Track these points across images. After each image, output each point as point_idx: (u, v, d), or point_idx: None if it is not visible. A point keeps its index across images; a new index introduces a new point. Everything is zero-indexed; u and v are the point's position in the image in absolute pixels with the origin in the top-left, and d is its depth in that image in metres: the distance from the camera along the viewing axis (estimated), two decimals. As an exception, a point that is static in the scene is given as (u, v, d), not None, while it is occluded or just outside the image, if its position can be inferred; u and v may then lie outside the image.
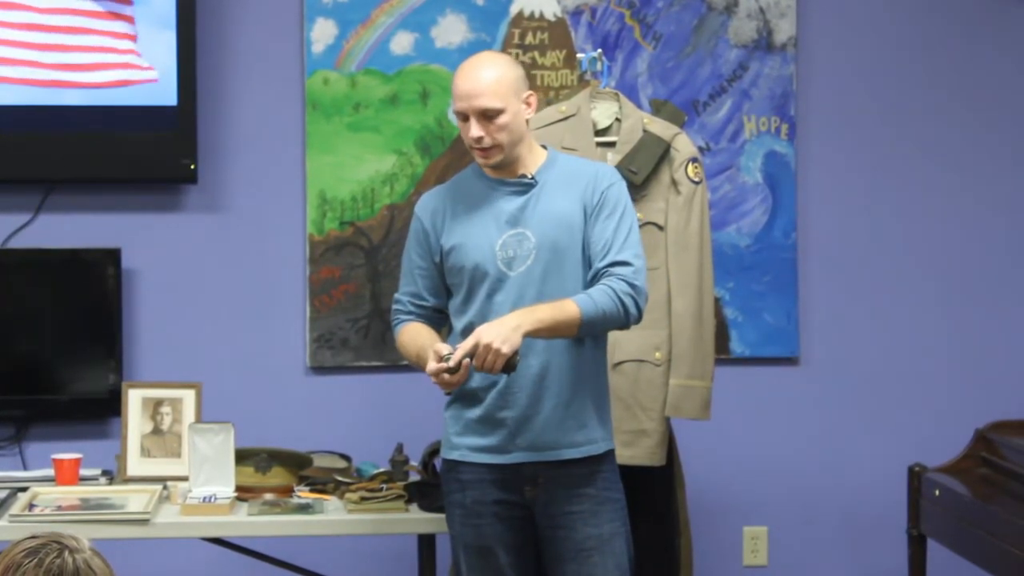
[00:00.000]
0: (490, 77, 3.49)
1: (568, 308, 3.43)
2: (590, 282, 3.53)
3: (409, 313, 3.66)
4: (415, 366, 3.65)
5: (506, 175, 3.58)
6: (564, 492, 3.53)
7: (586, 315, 3.43)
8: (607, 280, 3.48)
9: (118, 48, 4.67)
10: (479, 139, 3.49)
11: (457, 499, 3.60)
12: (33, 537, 2.20)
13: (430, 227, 3.61)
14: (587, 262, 3.55)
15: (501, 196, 3.57)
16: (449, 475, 3.62)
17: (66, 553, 2.16)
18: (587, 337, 3.53)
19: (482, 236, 3.54)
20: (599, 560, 3.54)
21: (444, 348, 3.42)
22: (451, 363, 3.36)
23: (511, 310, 3.46)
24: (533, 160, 3.60)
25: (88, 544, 2.20)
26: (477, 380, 3.51)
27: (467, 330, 3.51)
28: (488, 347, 3.33)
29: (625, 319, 3.50)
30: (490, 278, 3.52)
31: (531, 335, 3.40)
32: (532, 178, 3.57)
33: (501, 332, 3.34)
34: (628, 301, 3.47)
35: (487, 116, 3.48)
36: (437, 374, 3.39)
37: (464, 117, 3.51)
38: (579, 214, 3.55)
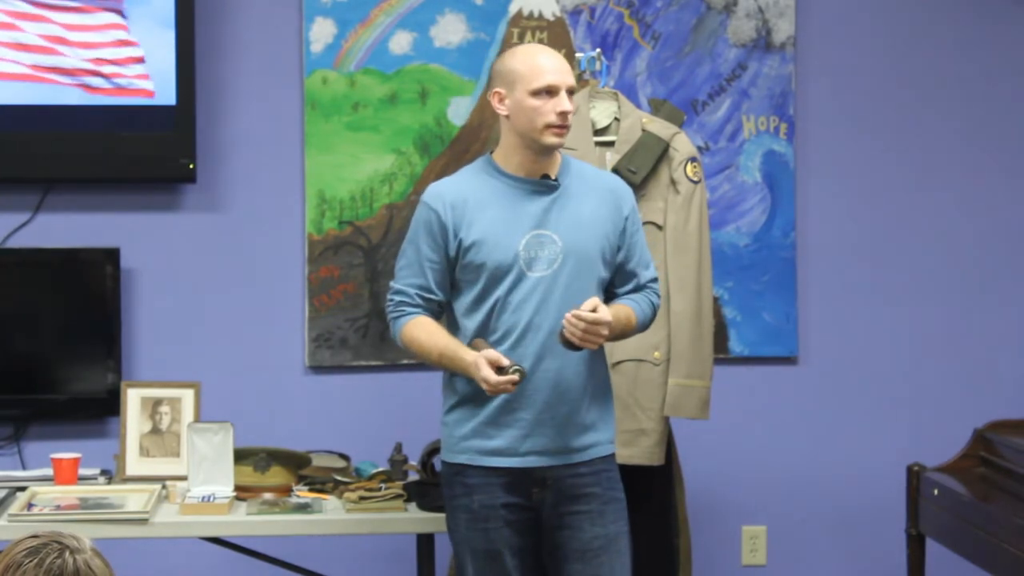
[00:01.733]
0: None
1: (631, 317, 3.59)
2: (632, 289, 3.63)
3: (416, 306, 3.59)
4: (425, 360, 3.60)
5: (528, 174, 3.57)
6: (571, 493, 3.53)
7: (639, 323, 3.62)
8: (647, 293, 3.65)
9: (118, 58, 4.67)
10: (566, 114, 3.50)
11: (463, 503, 3.56)
12: (34, 536, 2.19)
13: (448, 219, 3.53)
14: (609, 271, 3.59)
15: (525, 195, 3.54)
16: (454, 479, 3.57)
17: (67, 553, 2.16)
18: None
19: (505, 235, 3.51)
20: (606, 560, 3.53)
21: (503, 359, 3.40)
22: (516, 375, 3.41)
23: (532, 312, 3.47)
24: (552, 161, 3.59)
25: (89, 544, 2.20)
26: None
27: (481, 329, 3.50)
28: (599, 334, 3.42)
29: (646, 329, 3.70)
30: (510, 277, 3.49)
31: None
32: (555, 180, 3.56)
33: (612, 331, 3.47)
34: (656, 312, 3.69)
35: (571, 92, 3.53)
36: (498, 385, 3.39)
37: (551, 92, 3.50)
38: (607, 224, 3.56)
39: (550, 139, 3.50)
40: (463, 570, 3.59)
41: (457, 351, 3.48)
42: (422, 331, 3.56)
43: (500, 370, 3.39)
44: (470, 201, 3.54)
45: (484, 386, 3.41)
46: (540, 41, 4.93)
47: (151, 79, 4.69)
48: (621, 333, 3.58)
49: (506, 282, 3.50)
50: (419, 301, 3.58)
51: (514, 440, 3.51)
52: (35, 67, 4.64)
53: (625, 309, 3.58)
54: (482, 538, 3.54)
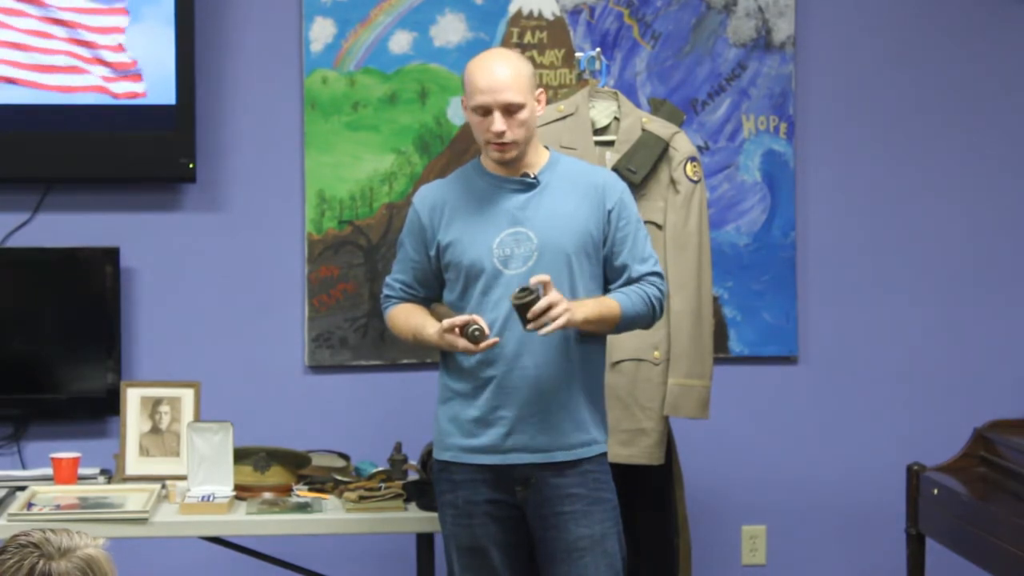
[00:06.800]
0: (512, 72, 3.51)
1: (614, 307, 3.52)
2: (623, 284, 3.57)
3: (399, 298, 3.70)
4: (407, 342, 3.69)
5: (509, 173, 3.58)
6: (555, 493, 3.53)
7: (626, 314, 3.54)
8: (643, 285, 3.58)
9: (109, 60, 4.68)
10: (501, 134, 3.49)
11: (449, 499, 3.60)
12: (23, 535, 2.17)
13: (427, 222, 3.61)
14: (597, 265, 3.57)
15: (502, 194, 3.57)
16: (441, 475, 3.62)
17: (41, 561, 2.12)
18: (588, 337, 3.54)
19: (479, 233, 3.54)
20: (591, 560, 3.53)
21: (456, 320, 3.44)
22: (483, 342, 3.43)
23: (509, 310, 3.47)
24: (536, 159, 3.60)
25: (86, 548, 2.16)
26: (472, 379, 3.52)
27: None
28: (563, 320, 3.38)
29: (651, 322, 3.64)
30: (485, 275, 3.52)
31: (579, 327, 3.49)
32: (535, 178, 3.57)
33: (574, 317, 3.42)
34: (658, 306, 3.61)
35: (510, 111, 3.49)
36: (469, 348, 3.44)
37: (485, 112, 3.50)
38: (589, 219, 3.55)
39: (492, 154, 3.55)
40: (450, 565, 3.62)
41: (423, 330, 3.57)
42: (400, 316, 3.68)
43: (464, 331, 3.44)
44: (449, 203, 3.60)
45: (460, 351, 3.48)
46: (539, 41, 4.93)
47: (151, 79, 4.69)
48: (603, 321, 3.52)
49: (482, 280, 3.53)
50: (402, 295, 3.70)
51: (497, 438, 3.52)
52: (36, 67, 4.64)
53: (606, 299, 3.55)
54: (467, 534, 3.57)
